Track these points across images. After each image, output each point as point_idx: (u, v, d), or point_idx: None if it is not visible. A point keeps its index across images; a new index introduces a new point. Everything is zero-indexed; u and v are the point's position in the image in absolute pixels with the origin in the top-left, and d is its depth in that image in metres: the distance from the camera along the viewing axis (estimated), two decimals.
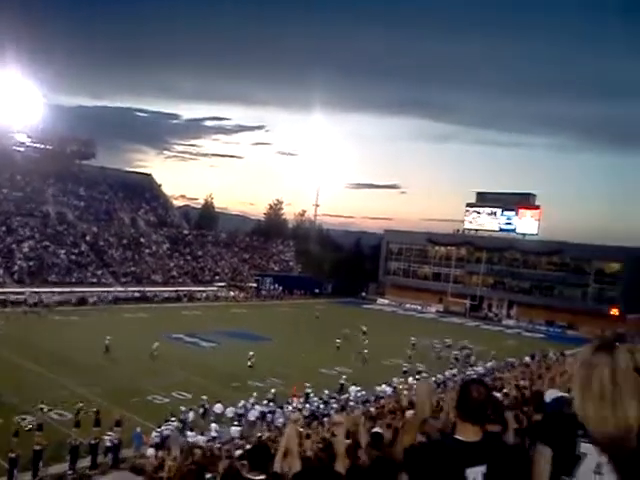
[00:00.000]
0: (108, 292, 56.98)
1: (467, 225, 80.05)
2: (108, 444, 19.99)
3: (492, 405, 3.17)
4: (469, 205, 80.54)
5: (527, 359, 39.18)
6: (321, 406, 26.71)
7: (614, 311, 63.03)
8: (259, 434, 21.51)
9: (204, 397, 25.55)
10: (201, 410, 24.65)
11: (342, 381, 31.14)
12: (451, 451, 2.65)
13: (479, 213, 78.69)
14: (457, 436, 2.70)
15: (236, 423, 23.07)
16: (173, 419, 22.27)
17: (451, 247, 79.04)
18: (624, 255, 65.02)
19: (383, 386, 30.33)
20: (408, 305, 73.41)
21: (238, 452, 17.72)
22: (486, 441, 2.71)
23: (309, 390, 28.25)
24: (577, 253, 69.12)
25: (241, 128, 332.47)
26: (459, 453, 2.62)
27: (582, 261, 69.20)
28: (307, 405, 26.64)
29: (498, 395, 17.77)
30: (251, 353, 34.91)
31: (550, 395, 4.30)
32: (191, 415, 23.53)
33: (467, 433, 2.67)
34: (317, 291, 75.32)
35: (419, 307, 72.75)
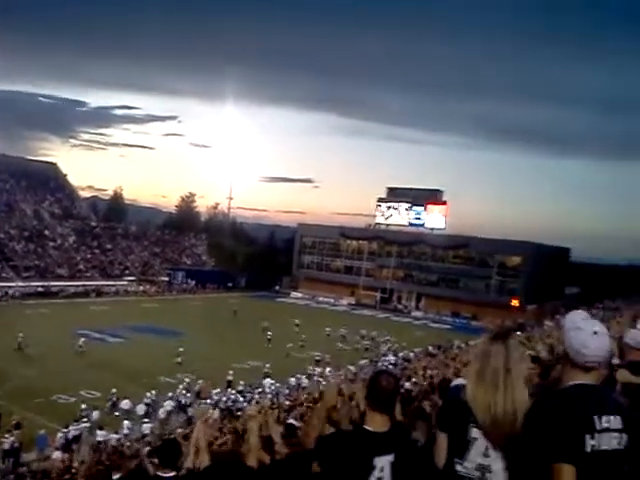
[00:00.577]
0: (9, 287, 54.18)
1: (378, 220, 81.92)
2: (6, 447, 19.14)
3: (399, 395, 3.26)
4: (380, 200, 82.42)
5: (431, 349, 40.66)
6: (239, 399, 26.70)
7: (515, 302, 66.58)
8: (171, 430, 21.27)
9: (114, 390, 25.10)
10: (109, 404, 24.18)
11: (238, 371, 31.42)
12: (360, 441, 2.74)
13: (390, 208, 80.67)
14: (366, 426, 2.78)
15: (146, 420, 22.69)
16: (85, 419, 21.64)
17: (363, 241, 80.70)
18: (524, 249, 68.69)
19: (297, 377, 30.78)
20: (321, 298, 74.23)
21: (147, 449, 17.51)
22: (394, 431, 2.79)
23: (230, 378, 28.27)
24: (481, 247, 72.37)
25: (152, 118, 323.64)
26: (368, 443, 2.70)
27: (486, 255, 72.49)
28: (222, 399, 26.56)
29: (407, 385, 18.55)
30: (181, 349, 34.39)
31: (455, 384, 4.45)
32: (95, 414, 22.92)
33: (376, 424, 2.74)
34: (230, 285, 74.76)
35: (332, 300, 73.74)
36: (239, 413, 23.31)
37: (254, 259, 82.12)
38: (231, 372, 30.78)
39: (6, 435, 19.41)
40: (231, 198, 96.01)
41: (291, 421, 7.42)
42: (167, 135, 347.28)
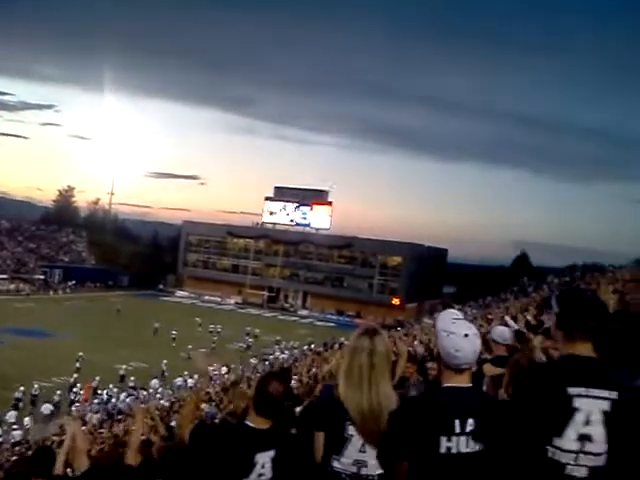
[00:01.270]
0: None
1: (265, 218, 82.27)
2: None
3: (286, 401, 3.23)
4: (267, 199, 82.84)
5: (313, 346, 41.54)
6: (118, 400, 26.01)
7: (396, 301, 69.46)
8: (46, 437, 20.39)
9: None
10: None
11: (122, 372, 30.90)
12: (242, 436, 2.76)
13: (277, 207, 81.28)
14: (248, 422, 2.80)
15: (15, 427, 21.53)
16: None
17: (250, 240, 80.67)
18: (405, 250, 71.83)
19: (183, 378, 30.41)
20: (207, 297, 73.37)
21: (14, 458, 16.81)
22: (275, 428, 2.81)
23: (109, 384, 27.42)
24: (365, 247, 74.79)
25: (27, 106, 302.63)
26: (249, 439, 2.74)
27: (369, 255, 75.00)
28: (101, 401, 25.79)
29: (292, 383, 18.98)
30: (80, 354, 32.64)
31: (330, 383, 4.53)
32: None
33: (258, 422, 2.77)
34: (111, 283, 72.07)
35: (218, 299, 73.09)
36: (120, 417, 22.77)
37: (137, 257, 79.68)
38: (111, 374, 29.91)
39: None
40: (113, 193, 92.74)
41: (173, 423, 7.39)
42: (44, 125, 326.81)
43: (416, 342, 20.92)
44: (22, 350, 35.63)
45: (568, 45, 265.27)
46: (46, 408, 24.07)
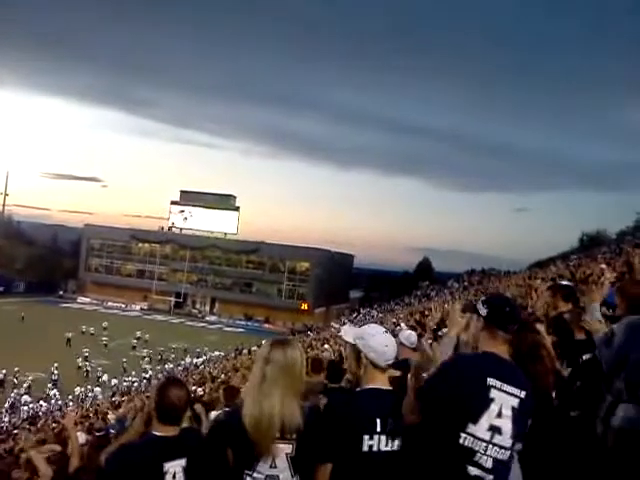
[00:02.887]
0: None
1: (171, 223, 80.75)
2: None
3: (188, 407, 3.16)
4: (173, 203, 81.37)
5: (213, 354, 41.41)
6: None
7: (304, 306, 70.13)
8: None
9: None
10: None
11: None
12: (148, 447, 2.68)
13: (183, 211, 79.96)
14: (155, 432, 2.71)
15: None
16: None
17: (156, 244, 78.78)
18: (312, 255, 72.73)
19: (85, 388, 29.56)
20: (111, 303, 70.90)
21: None
22: (184, 435, 2.75)
23: None
24: (273, 252, 74.98)
25: None
26: (157, 448, 2.65)
27: (277, 260, 75.20)
28: None
29: (199, 390, 18.86)
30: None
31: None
32: None
33: (164, 430, 2.69)
34: (3, 290, 67.73)
35: (123, 305, 70.86)
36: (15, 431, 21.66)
37: (34, 261, 75.57)
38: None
39: None
40: (6, 194, 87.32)
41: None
42: None
43: (326, 346, 21.42)
44: None
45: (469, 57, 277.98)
46: None
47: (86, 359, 37.00)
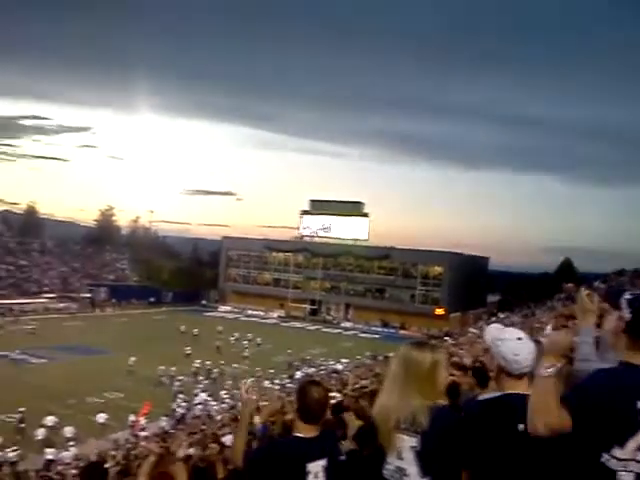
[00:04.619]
0: None
1: (303, 232, 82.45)
2: None
3: (331, 406, 3.24)
4: (304, 212, 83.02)
5: (359, 357, 41.11)
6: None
7: (439, 311, 68.53)
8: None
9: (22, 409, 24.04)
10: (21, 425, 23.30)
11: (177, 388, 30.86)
12: (291, 448, 2.75)
13: (313, 220, 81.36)
14: (296, 433, 2.79)
15: (72, 443, 21.58)
16: (15, 447, 20.42)
17: (289, 253, 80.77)
18: (445, 259, 70.98)
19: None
20: (250, 311, 73.68)
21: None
22: (324, 436, 2.82)
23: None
24: (404, 258, 74.10)
25: (64, 129, 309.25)
26: (299, 449, 2.72)
27: (409, 265, 74.23)
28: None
29: (339, 396, 18.75)
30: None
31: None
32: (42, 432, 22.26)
33: (306, 430, 2.76)
34: (153, 300, 72.56)
35: (261, 313, 73.30)
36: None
37: (179, 273, 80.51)
38: (160, 389, 30.04)
39: None
40: (152, 211, 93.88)
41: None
42: (81, 147, 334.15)
43: (462, 351, 20.61)
44: (72, 367, 36.32)
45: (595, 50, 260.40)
46: (100, 417, 24.53)
47: (230, 364, 38.36)
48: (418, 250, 74.04)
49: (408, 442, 2.50)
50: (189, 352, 40.57)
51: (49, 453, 20.44)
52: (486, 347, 2.82)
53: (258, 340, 48.65)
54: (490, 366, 2.91)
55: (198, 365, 36.73)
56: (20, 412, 23.85)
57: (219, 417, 24.55)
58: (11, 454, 20.12)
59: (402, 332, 63.80)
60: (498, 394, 2.58)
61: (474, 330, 43.00)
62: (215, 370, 36.06)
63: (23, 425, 23.41)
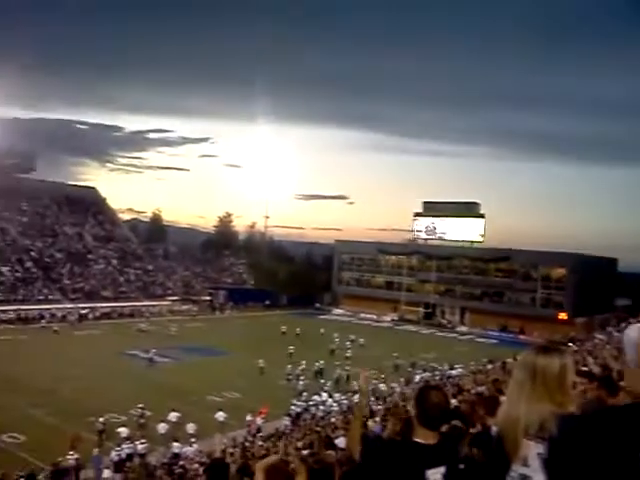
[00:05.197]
0: (57, 309, 55.00)
1: (416, 234, 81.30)
2: (71, 463, 19.12)
3: (450, 412, 3.19)
4: (417, 214, 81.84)
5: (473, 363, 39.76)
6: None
7: (562, 315, 64.93)
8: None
9: (140, 405, 25.28)
10: (141, 421, 24.46)
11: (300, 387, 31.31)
12: (410, 453, 2.66)
13: (427, 222, 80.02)
14: (416, 439, 2.71)
15: (193, 440, 22.29)
16: (143, 440, 21.49)
17: (402, 256, 79.92)
18: (568, 260, 67.20)
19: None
20: (363, 314, 73.69)
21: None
22: (444, 443, 2.74)
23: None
24: (523, 259, 70.98)
25: (186, 140, 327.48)
26: (417, 455, 2.64)
27: (529, 267, 71.03)
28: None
29: (454, 401, 18.04)
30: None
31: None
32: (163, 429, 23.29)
33: (425, 436, 2.68)
34: (268, 303, 74.57)
35: (375, 316, 73.08)
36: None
37: (293, 277, 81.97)
38: (279, 391, 30.46)
39: (70, 452, 19.34)
40: (267, 217, 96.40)
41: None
42: (202, 157, 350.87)
43: (589, 358, 19.17)
44: (194, 367, 37.89)
45: None
46: (220, 415, 25.25)
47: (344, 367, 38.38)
48: (538, 251, 70.63)
49: (535, 449, 2.30)
50: (304, 354, 41.01)
51: (175, 447, 21.26)
52: (614, 354, 2.43)
53: (370, 342, 48.41)
54: (623, 371, 2.59)
55: (315, 366, 37.28)
56: (140, 408, 25.10)
57: (333, 419, 24.60)
58: (140, 446, 21.13)
59: (521, 337, 61.03)
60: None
61: (601, 336, 40.29)
62: (335, 372, 36.21)
63: (143, 420, 24.58)
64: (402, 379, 35.37)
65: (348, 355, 42.60)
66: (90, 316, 55.33)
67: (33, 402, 27.35)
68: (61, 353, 39.45)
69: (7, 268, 59.63)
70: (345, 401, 28.76)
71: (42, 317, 52.21)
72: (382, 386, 32.87)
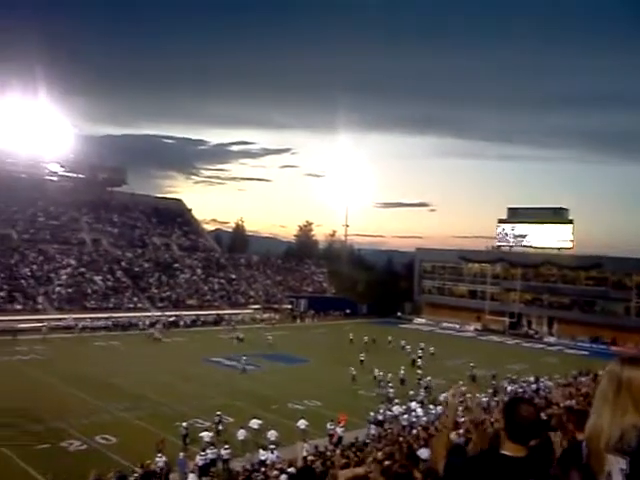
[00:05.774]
0: (146, 317, 57.27)
1: (500, 241, 78.96)
2: (160, 465, 19.68)
3: (540, 426, 3.05)
4: (501, 221, 79.48)
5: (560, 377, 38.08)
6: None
7: None
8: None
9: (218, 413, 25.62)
10: (220, 427, 24.78)
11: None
12: (498, 467, 2.59)
13: (512, 229, 77.56)
14: (503, 451, 2.63)
15: (273, 447, 22.32)
16: (227, 446, 21.82)
17: (485, 264, 77.77)
18: None
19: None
20: (445, 324, 72.31)
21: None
22: (533, 457, 2.66)
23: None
24: (616, 267, 67.38)
25: (267, 151, 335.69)
26: (506, 468, 2.56)
27: (622, 275, 67.42)
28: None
29: (543, 415, 17.24)
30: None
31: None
32: (242, 433, 23.65)
33: (513, 450, 2.61)
34: (348, 311, 74.43)
35: (457, 326, 71.54)
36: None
37: (374, 285, 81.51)
38: (358, 400, 30.25)
39: (159, 455, 19.93)
40: (347, 225, 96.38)
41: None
42: (282, 167, 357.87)
43: None
44: (277, 374, 38.31)
45: None
46: (301, 424, 25.37)
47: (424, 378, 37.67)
48: (632, 258, 66.88)
49: (618, 464, 2.28)
50: (385, 363, 40.59)
51: (261, 454, 21.41)
52: None
53: (452, 353, 47.39)
54: None
55: (398, 375, 36.88)
56: (218, 415, 25.53)
57: (414, 431, 24.16)
58: (224, 452, 21.47)
59: (614, 348, 57.90)
60: None
61: None
62: (417, 383, 35.73)
63: (221, 427, 24.94)
64: (490, 391, 34.29)
65: (429, 365, 41.79)
66: (177, 324, 57.14)
67: (124, 406, 28.50)
68: (149, 359, 40.99)
69: (99, 277, 62.63)
70: (432, 412, 28.26)
71: (131, 324, 54.51)
72: (468, 397, 32.03)
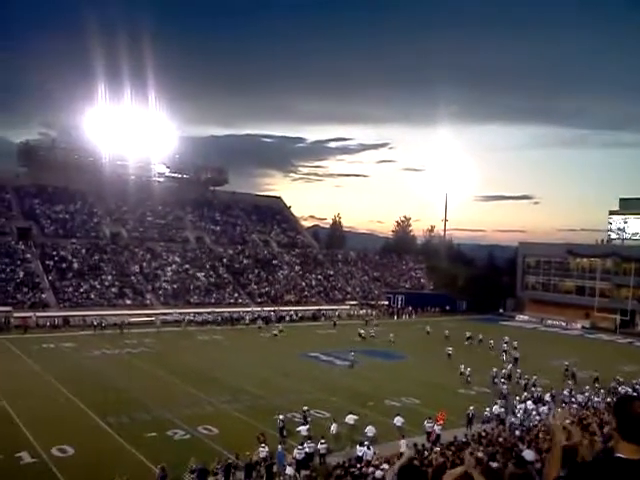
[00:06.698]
0: (246, 312, 58.94)
1: (611, 234, 74.52)
2: (263, 456, 20.13)
3: None
4: (612, 213, 74.97)
5: None
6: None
7: None
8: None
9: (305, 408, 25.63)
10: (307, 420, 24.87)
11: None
12: (613, 470, 2.46)
13: (624, 221, 72.97)
14: (619, 454, 2.51)
15: (367, 443, 22.11)
16: (323, 440, 21.97)
17: (594, 258, 73.70)
18: None
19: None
20: (550, 321, 69.28)
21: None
22: None
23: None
24: None
25: (364, 147, 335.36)
26: (623, 472, 2.43)
27: None
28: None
29: None
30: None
31: None
32: (334, 427, 23.78)
33: (629, 451, 2.48)
34: (447, 308, 73.08)
35: (563, 323, 68.35)
36: None
37: (474, 281, 79.37)
38: (456, 399, 29.46)
39: (262, 446, 20.43)
40: (446, 220, 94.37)
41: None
42: (380, 162, 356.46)
43: None
44: (375, 371, 38.14)
45: None
46: (398, 421, 25.12)
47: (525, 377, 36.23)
48: None
49: None
50: (485, 361, 39.48)
51: (359, 450, 21.38)
52: None
53: (558, 352, 45.28)
54: None
55: (502, 373, 35.94)
56: (304, 411, 25.74)
57: (517, 432, 23.29)
58: (320, 446, 21.62)
59: None
60: None
61: None
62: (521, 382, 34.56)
63: (309, 420, 25.08)
64: (602, 391, 32.53)
65: (534, 363, 40.16)
66: (276, 319, 58.27)
67: (225, 398, 29.39)
68: (249, 353, 42.09)
69: (202, 274, 65.03)
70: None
71: (233, 319, 56.17)
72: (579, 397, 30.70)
